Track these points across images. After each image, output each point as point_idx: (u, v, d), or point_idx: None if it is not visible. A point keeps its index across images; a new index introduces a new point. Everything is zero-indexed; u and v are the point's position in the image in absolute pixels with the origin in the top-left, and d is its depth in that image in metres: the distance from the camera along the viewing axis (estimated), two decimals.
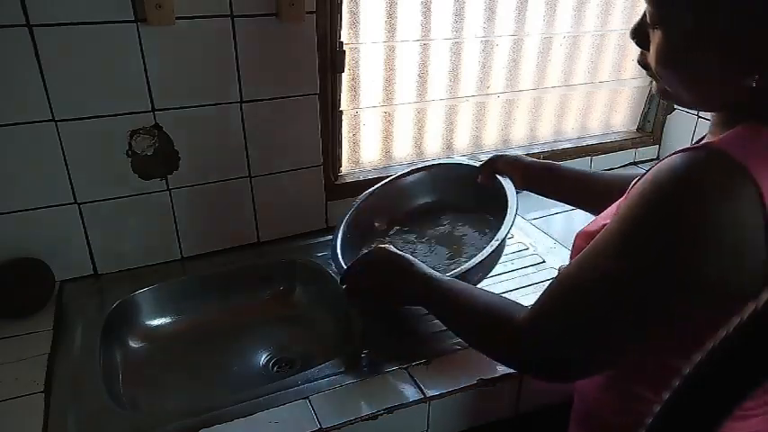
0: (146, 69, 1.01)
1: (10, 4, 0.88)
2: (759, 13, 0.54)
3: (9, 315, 0.98)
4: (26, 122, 0.96)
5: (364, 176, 1.32)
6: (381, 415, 0.82)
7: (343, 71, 1.18)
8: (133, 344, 1.06)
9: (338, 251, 1.04)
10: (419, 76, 1.30)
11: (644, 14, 0.64)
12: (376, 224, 1.17)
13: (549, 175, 1.05)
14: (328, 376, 0.89)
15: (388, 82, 1.27)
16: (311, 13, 1.08)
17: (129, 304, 1.07)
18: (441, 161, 1.23)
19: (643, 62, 0.66)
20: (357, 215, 1.14)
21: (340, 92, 1.20)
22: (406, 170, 1.21)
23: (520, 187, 1.06)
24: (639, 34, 0.65)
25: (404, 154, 1.39)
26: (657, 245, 0.57)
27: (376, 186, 1.18)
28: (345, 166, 1.32)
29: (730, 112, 0.62)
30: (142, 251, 1.14)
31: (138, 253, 1.14)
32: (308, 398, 0.84)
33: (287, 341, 1.10)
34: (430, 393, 0.85)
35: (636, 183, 0.65)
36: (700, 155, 0.56)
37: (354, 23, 1.18)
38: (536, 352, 0.68)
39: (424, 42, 1.27)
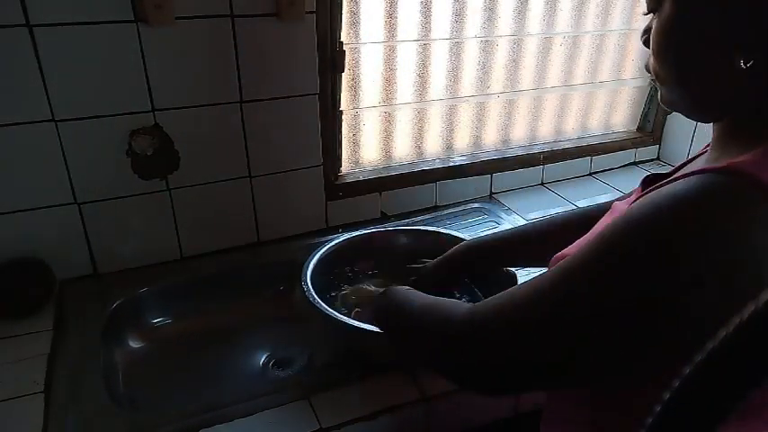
0: (146, 69, 1.01)
1: (10, 4, 0.88)
2: None
3: (9, 315, 0.98)
4: (26, 122, 0.96)
5: (364, 176, 1.32)
6: (381, 415, 0.82)
7: (343, 71, 1.18)
8: (133, 344, 1.06)
9: (308, 272, 1.00)
10: (419, 76, 1.30)
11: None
12: (356, 267, 1.11)
13: (507, 245, 0.96)
14: (328, 376, 0.89)
15: (388, 82, 1.27)
16: (311, 12, 1.08)
17: (129, 304, 1.07)
18: (448, 232, 1.15)
19: (647, 66, 0.61)
20: (343, 246, 1.10)
21: (340, 92, 1.20)
22: (412, 228, 1.18)
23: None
24: (646, 33, 0.60)
25: (404, 154, 1.39)
26: (644, 280, 0.48)
27: (375, 230, 1.15)
28: (345, 166, 1.32)
29: (734, 123, 0.56)
30: (142, 251, 1.14)
31: (139, 253, 1.14)
32: (307, 398, 0.84)
33: (286, 342, 1.10)
34: (430, 393, 0.85)
35: (632, 201, 0.57)
36: (719, 178, 0.47)
37: (354, 23, 1.18)
38: (475, 350, 0.59)
39: (424, 42, 1.27)
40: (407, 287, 0.82)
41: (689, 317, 0.48)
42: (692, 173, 0.50)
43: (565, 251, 0.65)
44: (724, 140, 0.57)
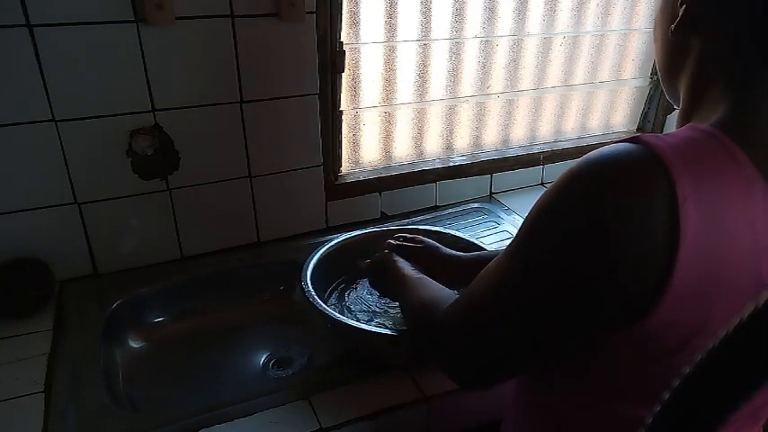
0: (146, 69, 1.01)
1: (10, 4, 0.88)
2: None
3: (9, 315, 0.98)
4: (26, 122, 0.96)
5: (364, 176, 1.32)
6: (381, 415, 0.82)
7: (344, 71, 1.18)
8: (133, 344, 1.06)
9: (309, 271, 1.01)
10: (419, 76, 1.30)
11: None
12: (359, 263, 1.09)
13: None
14: (328, 376, 0.89)
15: (388, 82, 1.27)
16: (311, 13, 1.08)
17: (129, 304, 1.07)
18: (448, 232, 1.15)
19: None
20: (343, 246, 1.11)
21: (340, 92, 1.20)
22: (412, 228, 1.16)
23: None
24: None
25: (404, 154, 1.39)
26: (547, 237, 0.53)
27: (375, 229, 1.15)
28: (345, 166, 1.32)
29: (685, 109, 0.59)
30: (142, 251, 1.14)
31: (139, 253, 1.14)
32: (307, 398, 0.84)
33: (287, 341, 1.10)
34: (430, 393, 0.85)
35: None
36: (621, 145, 0.51)
37: (354, 23, 1.18)
38: (445, 348, 0.64)
39: (423, 42, 1.27)
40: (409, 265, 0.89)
41: (585, 284, 0.51)
42: (613, 141, 0.53)
43: None
44: (681, 119, 0.60)
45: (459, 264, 0.94)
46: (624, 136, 1.63)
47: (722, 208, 0.48)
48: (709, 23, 0.54)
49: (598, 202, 0.49)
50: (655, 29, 0.62)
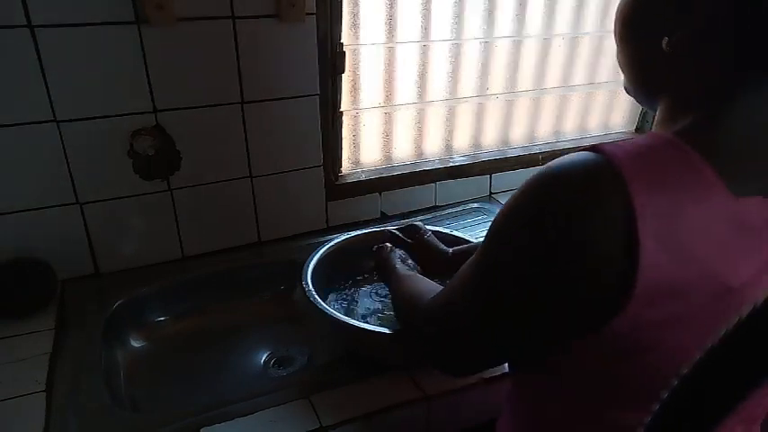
0: (147, 70, 1.01)
1: (12, 5, 0.89)
2: None
3: (11, 315, 0.99)
4: (28, 123, 0.97)
5: (365, 177, 1.32)
6: (381, 414, 0.83)
7: (344, 72, 1.19)
8: (134, 343, 1.07)
9: (310, 269, 1.02)
10: (419, 76, 1.31)
11: None
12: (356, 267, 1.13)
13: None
14: (328, 375, 0.90)
15: (389, 83, 1.28)
16: (311, 14, 1.08)
17: (130, 304, 1.07)
18: (448, 232, 1.14)
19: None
20: (343, 246, 1.11)
21: (340, 93, 1.21)
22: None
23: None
24: None
25: (404, 154, 1.39)
26: (505, 244, 0.55)
27: (375, 229, 1.15)
28: (346, 167, 1.32)
29: (664, 112, 0.59)
30: (143, 251, 1.15)
31: (140, 253, 1.15)
32: (308, 397, 0.85)
33: (287, 341, 1.10)
34: (430, 393, 0.86)
35: None
36: (580, 155, 0.51)
37: (354, 24, 1.18)
38: (424, 338, 0.69)
39: (424, 43, 1.27)
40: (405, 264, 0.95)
41: (536, 287, 0.52)
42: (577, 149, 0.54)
43: None
44: (657, 128, 0.60)
45: (446, 261, 1.01)
46: (623, 137, 1.65)
47: (679, 214, 0.47)
48: (713, 37, 0.52)
49: (552, 213, 0.50)
50: (629, 40, 0.60)
